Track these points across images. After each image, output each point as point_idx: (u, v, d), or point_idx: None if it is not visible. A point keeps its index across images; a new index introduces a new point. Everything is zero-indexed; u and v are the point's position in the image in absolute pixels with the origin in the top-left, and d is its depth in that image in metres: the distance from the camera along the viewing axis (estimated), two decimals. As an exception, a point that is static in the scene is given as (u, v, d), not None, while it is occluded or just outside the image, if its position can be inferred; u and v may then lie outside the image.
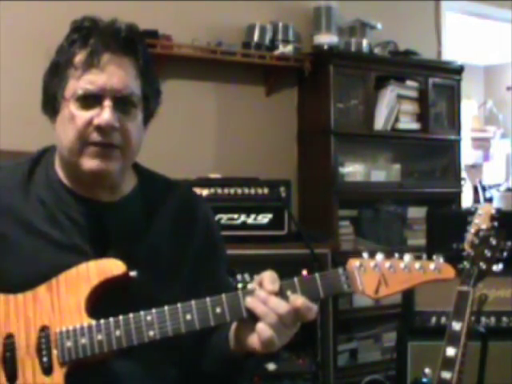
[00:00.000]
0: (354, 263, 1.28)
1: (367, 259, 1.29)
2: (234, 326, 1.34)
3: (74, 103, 1.35)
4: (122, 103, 1.35)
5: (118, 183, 1.43)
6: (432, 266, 1.29)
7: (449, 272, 1.29)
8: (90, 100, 1.34)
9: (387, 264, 1.28)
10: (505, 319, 2.80)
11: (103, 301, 1.35)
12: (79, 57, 1.35)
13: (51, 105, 1.40)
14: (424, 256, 1.30)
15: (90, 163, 1.36)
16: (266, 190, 3.56)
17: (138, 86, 1.38)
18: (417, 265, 1.29)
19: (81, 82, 1.34)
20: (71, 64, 1.35)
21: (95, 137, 1.34)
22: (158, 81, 1.47)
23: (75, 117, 1.34)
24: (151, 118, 1.47)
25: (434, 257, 1.30)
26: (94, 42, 1.35)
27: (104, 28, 1.38)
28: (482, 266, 2.05)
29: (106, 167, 1.36)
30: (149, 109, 1.44)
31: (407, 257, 1.29)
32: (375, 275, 1.28)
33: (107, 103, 1.34)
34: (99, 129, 1.34)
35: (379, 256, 1.29)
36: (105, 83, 1.33)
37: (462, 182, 4.90)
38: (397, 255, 1.30)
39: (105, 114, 1.33)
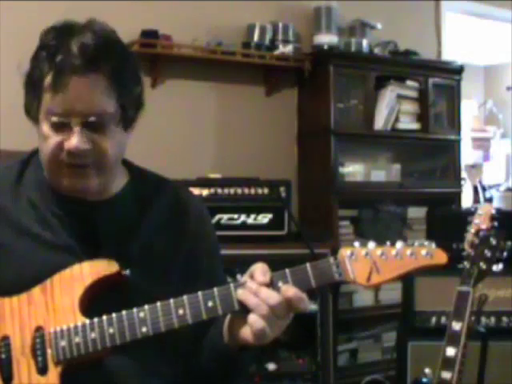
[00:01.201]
0: (345, 252, 1.28)
1: (358, 248, 1.28)
2: (227, 320, 1.34)
3: (46, 123, 1.35)
4: (93, 123, 1.33)
5: (103, 191, 1.43)
6: (424, 251, 1.28)
7: (441, 257, 1.28)
8: (59, 123, 1.33)
9: (379, 251, 1.28)
10: (505, 319, 2.81)
11: (98, 300, 1.35)
12: (47, 79, 1.33)
13: (31, 114, 1.39)
14: (416, 242, 1.30)
15: (66, 183, 1.37)
16: (266, 190, 3.56)
17: (110, 100, 1.35)
18: (408, 251, 1.28)
19: (50, 105, 1.33)
20: (42, 85, 1.34)
21: (67, 159, 1.34)
22: (138, 84, 1.42)
23: (48, 138, 1.35)
24: (134, 122, 1.43)
25: (426, 243, 1.30)
26: (60, 62, 1.31)
27: (70, 45, 1.32)
28: (482, 266, 2.05)
29: (84, 186, 1.37)
30: (127, 117, 1.40)
31: (399, 244, 1.29)
32: (367, 263, 1.27)
33: (75, 127, 1.32)
34: (70, 152, 1.33)
35: (371, 244, 1.29)
36: (72, 107, 1.32)
37: (462, 182, 4.90)
38: (388, 243, 1.29)
39: (73, 140, 1.32)
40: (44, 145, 1.36)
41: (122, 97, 1.36)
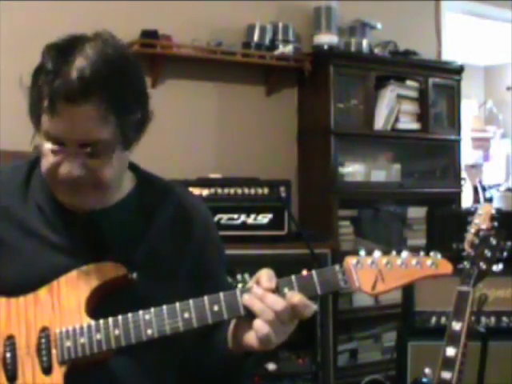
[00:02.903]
0: (350, 260, 1.29)
1: (364, 256, 1.30)
2: (231, 325, 1.35)
3: (45, 140, 1.34)
4: (88, 148, 1.32)
5: (106, 202, 1.43)
6: (429, 261, 1.29)
7: (446, 267, 1.30)
8: (56, 144, 1.32)
9: (384, 260, 1.29)
10: (505, 319, 2.81)
11: (104, 303, 1.35)
12: (45, 101, 1.31)
13: (34, 123, 1.37)
14: (422, 252, 1.31)
15: (64, 198, 1.38)
16: (266, 190, 3.56)
17: (107, 127, 1.32)
18: (414, 261, 1.29)
19: (47, 128, 1.32)
20: (40, 106, 1.32)
21: (63, 179, 1.34)
22: (141, 104, 1.39)
23: (46, 155, 1.34)
24: (135, 142, 1.40)
25: (432, 253, 1.31)
26: (56, 89, 1.28)
27: (67, 71, 1.29)
28: (482, 266, 2.05)
29: (81, 203, 1.38)
30: (127, 139, 1.37)
31: (404, 253, 1.30)
32: (372, 272, 1.28)
33: (69, 154, 1.32)
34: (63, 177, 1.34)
35: (376, 253, 1.30)
36: (66, 134, 1.31)
37: (462, 182, 4.90)
38: (394, 252, 1.30)
39: (65, 166, 1.32)
40: (43, 160, 1.36)
41: (122, 121, 1.33)
